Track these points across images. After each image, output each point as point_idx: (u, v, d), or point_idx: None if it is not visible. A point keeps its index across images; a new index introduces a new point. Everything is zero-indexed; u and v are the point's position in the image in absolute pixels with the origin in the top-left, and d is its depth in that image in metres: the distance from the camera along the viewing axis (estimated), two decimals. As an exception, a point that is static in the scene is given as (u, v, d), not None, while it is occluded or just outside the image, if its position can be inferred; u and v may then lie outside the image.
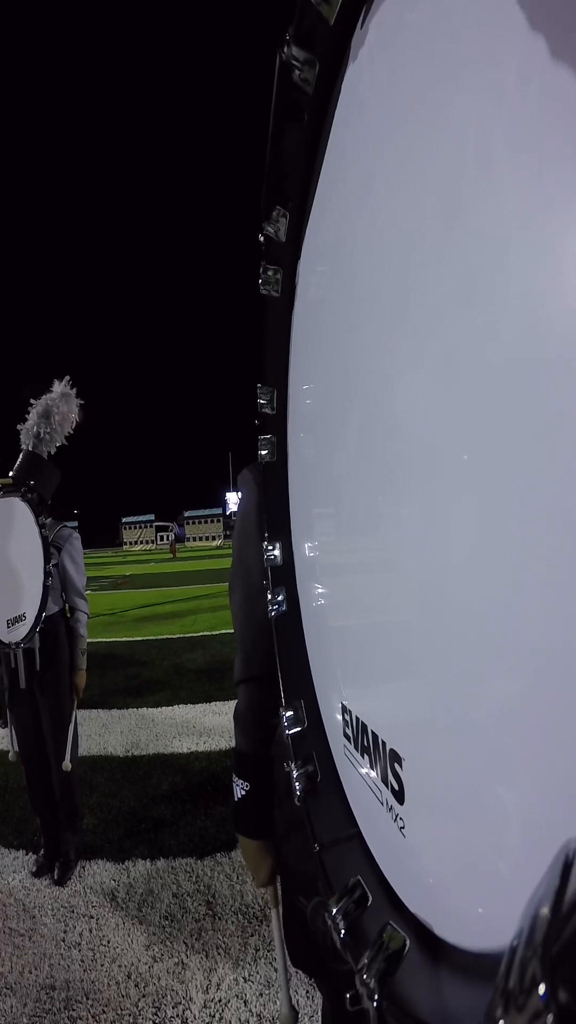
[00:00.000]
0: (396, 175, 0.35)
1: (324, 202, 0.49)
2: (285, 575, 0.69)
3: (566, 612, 0.21)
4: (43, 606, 2.36)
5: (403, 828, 0.39)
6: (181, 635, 7.89)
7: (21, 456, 2.54)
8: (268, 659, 0.72)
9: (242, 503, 0.92)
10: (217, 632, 7.82)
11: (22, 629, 2.37)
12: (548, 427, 0.22)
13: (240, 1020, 1.71)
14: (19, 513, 2.40)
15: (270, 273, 0.58)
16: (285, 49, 0.42)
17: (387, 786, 0.41)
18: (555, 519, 0.22)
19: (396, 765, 0.40)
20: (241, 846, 0.97)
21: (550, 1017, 0.15)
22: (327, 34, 0.40)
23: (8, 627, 2.37)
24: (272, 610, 0.69)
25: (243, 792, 0.92)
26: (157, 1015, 1.75)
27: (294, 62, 0.42)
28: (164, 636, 7.89)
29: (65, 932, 2.15)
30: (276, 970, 1.18)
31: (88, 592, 2.68)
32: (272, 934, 1.09)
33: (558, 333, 0.21)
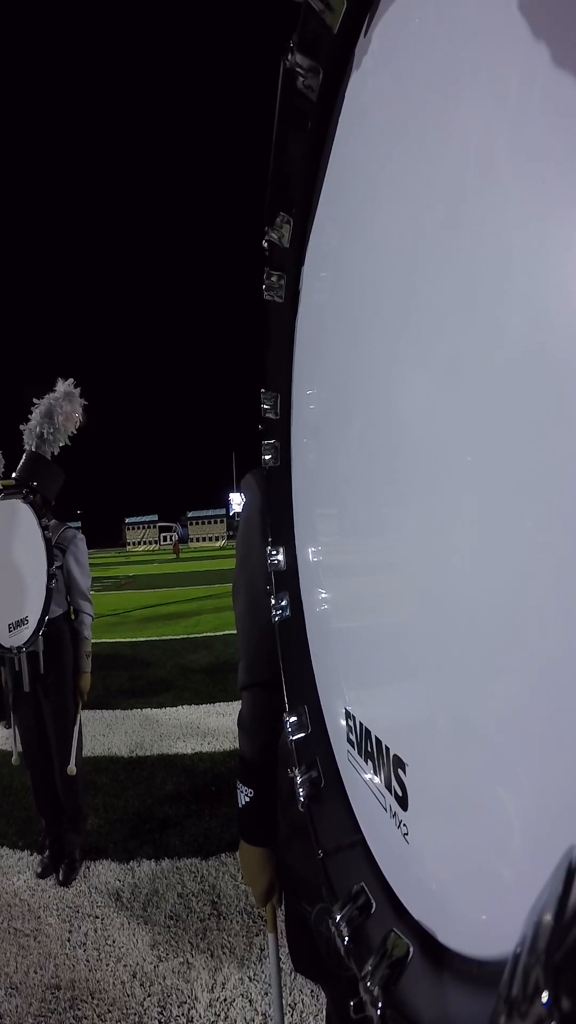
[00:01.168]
0: (399, 181, 0.35)
1: (327, 208, 0.49)
2: (288, 580, 0.69)
3: (570, 618, 0.22)
4: (46, 609, 2.34)
5: (407, 834, 0.39)
6: (185, 636, 7.89)
7: (24, 457, 2.52)
8: (272, 664, 0.72)
9: (246, 508, 0.92)
10: (221, 633, 7.82)
11: (25, 633, 2.35)
12: (551, 432, 0.22)
13: (245, 1019, 1.72)
14: (22, 515, 2.38)
15: (274, 279, 0.58)
16: (289, 56, 0.42)
17: (391, 792, 0.42)
18: (559, 524, 0.22)
19: (400, 771, 0.40)
20: (242, 853, 0.96)
21: (553, 1024, 0.15)
22: (331, 42, 0.40)
23: (10, 631, 2.36)
24: (275, 615, 0.69)
25: (247, 799, 0.91)
26: (162, 1014, 1.75)
27: (298, 69, 0.43)
28: (168, 637, 7.90)
29: (70, 932, 2.16)
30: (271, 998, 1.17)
31: (92, 593, 2.67)
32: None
33: (562, 339, 0.21)
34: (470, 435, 0.28)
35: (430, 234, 0.31)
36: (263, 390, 0.66)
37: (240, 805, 0.93)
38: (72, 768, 2.45)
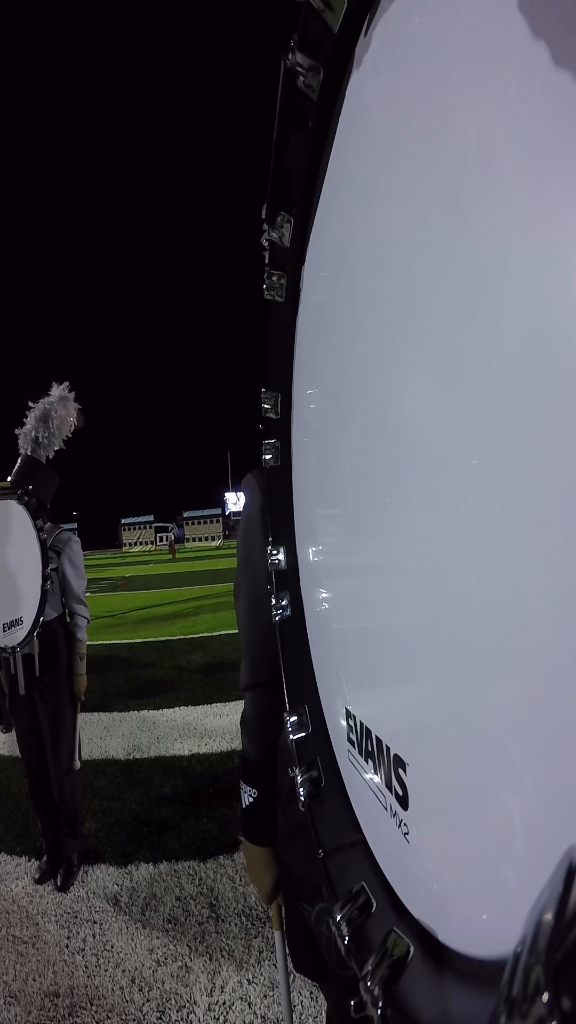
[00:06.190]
0: (400, 180, 0.35)
1: (328, 207, 0.50)
2: (289, 579, 0.69)
3: (571, 619, 0.22)
4: (41, 610, 2.34)
5: (407, 834, 0.39)
6: (181, 636, 7.86)
7: (19, 461, 2.52)
8: (274, 664, 0.72)
9: (246, 507, 0.92)
10: (217, 633, 7.80)
11: (19, 633, 2.35)
12: (552, 432, 0.22)
13: (245, 1022, 1.71)
14: (17, 517, 2.38)
15: (274, 278, 0.58)
16: (290, 56, 0.42)
17: (391, 791, 0.41)
18: (561, 525, 0.22)
19: (400, 770, 0.40)
20: (246, 854, 0.96)
21: (553, 1024, 0.15)
22: (331, 41, 0.40)
23: (4, 631, 2.36)
24: (276, 614, 0.69)
25: (251, 799, 0.91)
26: (162, 1019, 1.74)
27: (299, 68, 0.43)
28: (164, 638, 7.87)
29: (68, 938, 2.14)
30: (280, 996, 1.16)
31: (88, 594, 2.66)
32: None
33: (563, 337, 0.21)
34: (471, 434, 0.28)
35: (431, 233, 0.31)
36: (264, 390, 0.66)
37: (244, 805, 0.93)
38: (77, 762, 2.49)
